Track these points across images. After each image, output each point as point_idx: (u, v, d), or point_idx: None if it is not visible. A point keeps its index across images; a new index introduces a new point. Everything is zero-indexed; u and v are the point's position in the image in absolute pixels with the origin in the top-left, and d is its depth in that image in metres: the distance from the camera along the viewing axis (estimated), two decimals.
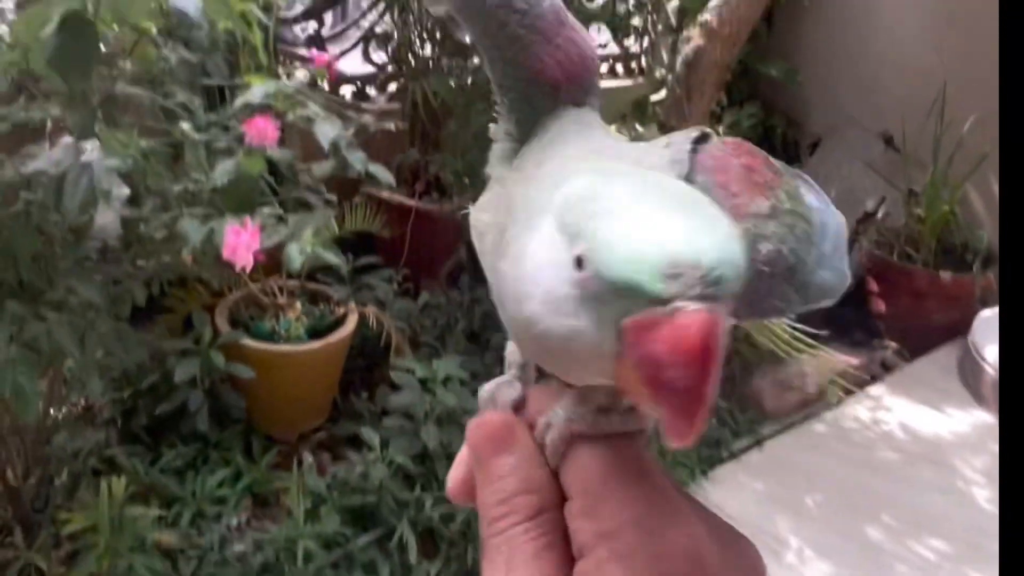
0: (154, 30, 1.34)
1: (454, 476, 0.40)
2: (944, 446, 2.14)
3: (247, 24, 1.21)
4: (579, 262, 0.32)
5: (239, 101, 1.37)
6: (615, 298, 0.31)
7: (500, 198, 0.42)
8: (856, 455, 2.09)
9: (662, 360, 0.30)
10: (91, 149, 1.31)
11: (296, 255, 1.31)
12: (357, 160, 1.40)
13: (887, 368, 2.53)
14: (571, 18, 0.46)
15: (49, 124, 1.57)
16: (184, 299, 2.11)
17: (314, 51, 2.77)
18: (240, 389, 2.03)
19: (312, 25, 2.82)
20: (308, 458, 2.01)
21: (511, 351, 0.46)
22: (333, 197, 1.89)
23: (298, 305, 2.11)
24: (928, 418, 2.24)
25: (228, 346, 1.96)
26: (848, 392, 2.27)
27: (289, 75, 2.64)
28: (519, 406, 0.41)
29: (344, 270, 2.14)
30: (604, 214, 0.32)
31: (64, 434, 1.88)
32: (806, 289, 0.40)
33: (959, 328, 2.51)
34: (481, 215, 0.44)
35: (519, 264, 0.36)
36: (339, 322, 2.11)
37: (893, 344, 2.63)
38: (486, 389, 0.43)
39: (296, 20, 2.84)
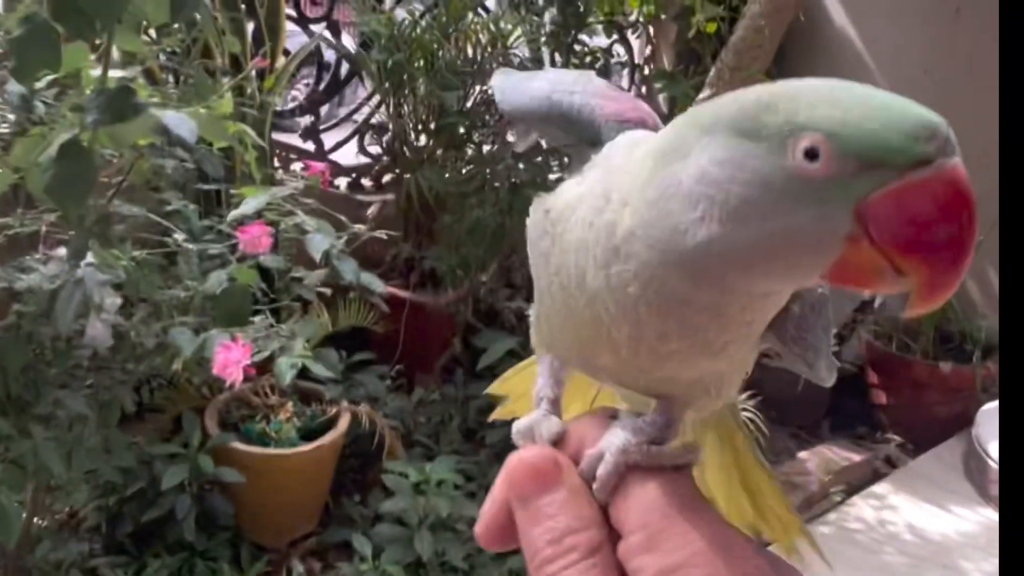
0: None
1: (488, 519, 0.38)
2: (952, 548, 2.08)
3: (242, 144, 1.21)
4: (809, 153, 0.33)
5: (232, 215, 1.36)
6: (862, 176, 0.32)
7: (587, 183, 0.42)
8: (863, 559, 2.03)
9: (931, 216, 0.32)
10: (84, 263, 1.30)
11: (286, 369, 1.29)
12: (349, 270, 1.38)
13: (891, 463, 2.48)
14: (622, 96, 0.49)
15: (43, 229, 1.57)
16: (174, 399, 2.07)
17: (310, 143, 2.80)
18: (229, 494, 1.97)
19: (308, 118, 2.86)
20: (298, 567, 1.94)
21: (541, 386, 0.45)
22: (328, 291, 1.87)
23: (289, 406, 2.07)
24: (935, 518, 2.19)
25: (217, 449, 1.91)
26: (852, 491, 2.22)
27: (286, 168, 2.66)
28: (558, 441, 0.40)
29: (337, 370, 2.11)
30: (826, 103, 0.33)
31: (47, 544, 1.82)
32: (826, 340, 0.44)
33: (962, 420, 2.48)
34: (561, 196, 0.43)
35: (677, 193, 0.36)
36: (331, 422, 2.07)
37: (896, 438, 2.59)
38: (523, 424, 0.42)
39: (292, 113, 2.88)
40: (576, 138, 0.47)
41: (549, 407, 0.44)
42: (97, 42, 1.09)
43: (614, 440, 0.38)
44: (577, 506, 0.36)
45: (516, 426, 0.42)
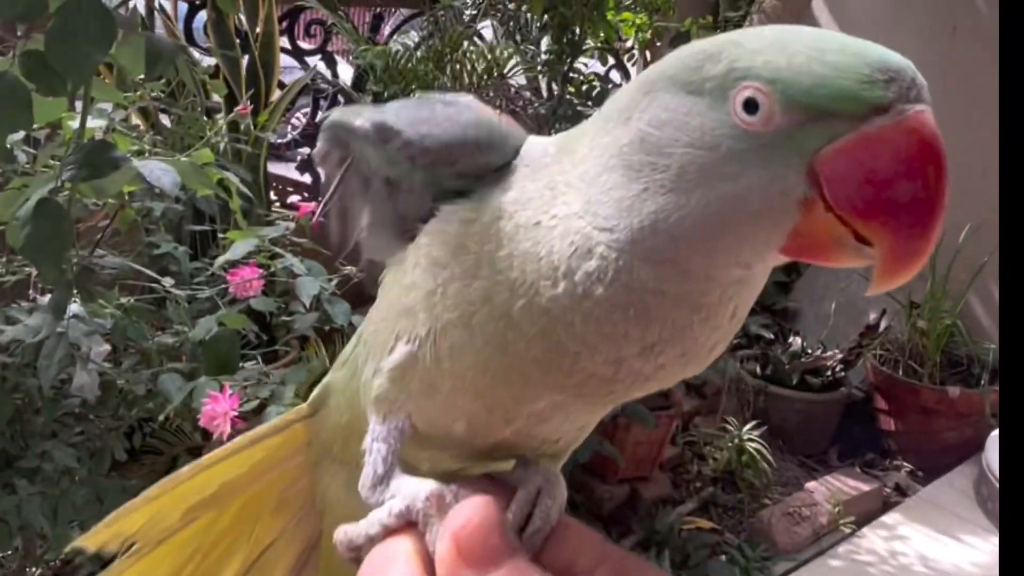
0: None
1: None
2: None
3: (227, 192, 1.19)
4: (749, 105, 0.29)
5: (219, 260, 1.34)
6: (811, 128, 0.28)
7: (516, 184, 0.36)
8: None
9: (890, 172, 0.28)
10: (70, 313, 1.28)
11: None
12: (340, 313, 1.36)
13: (901, 491, 2.44)
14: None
15: (34, 274, 1.55)
16: (169, 440, 2.04)
17: (307, 175, 2.79)
18: None
19: (304, 150, 2.85)
20: None
21: (386, 462, 0.39)
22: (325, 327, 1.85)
23: None
24: (947, 548, 2.14)
25: None
26: (861, 521, 2.18)
27: (283, 201, 2.65)
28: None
29: None
30: (772, 48, 0.29)
31: None
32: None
33: (972, 446, 2.43)
34: (485, 204, 0.37)
35: (618, 164, 0.32)
36: None
37: (906, 464, 2.54)
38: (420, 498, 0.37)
39: (288, 146, 2.88)
40: (484, 164, 0.39)
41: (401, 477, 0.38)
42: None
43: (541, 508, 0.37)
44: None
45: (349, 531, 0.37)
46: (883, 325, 2.72)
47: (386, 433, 0.40)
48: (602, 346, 0.33)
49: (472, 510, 0.32)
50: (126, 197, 1.28)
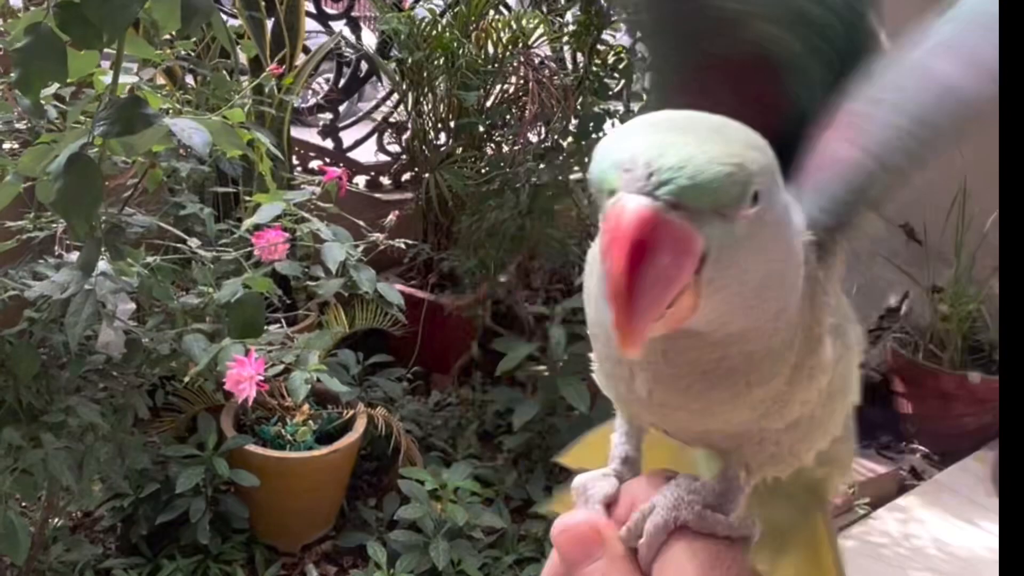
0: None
1: None
2: (979, 564, 2.03)
3: (258, 154, 1.19)
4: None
5: (246, 223, 1.34)
6: (598, 201, 0.32)
7: None
8: (887, 575, 1.99)
9: (604, 250, 0.31)
10: (98, 271, 1.28)
11: (300, 385, 1.26)
12: (366, 280, 1.36)
13: (916, 475, 2.43)
14: None
15: (60, 231, 1.55)
16: (190, 399, 2.06)
17: (328, 141, 2.78)
18: (244, 497, 1.96)
19: (327, 115, 2.83)
20: (313, 572, 1.93)
21: (617, 443, 0.43)
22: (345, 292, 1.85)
23: (305, 408, 2.05)
24: (962, 533, 2.14)
25: (232, 452, 1.90)
26: (876, 504, 2.18)
27: (304, 166, 2.64)
28: (612, 503, 0.39)
29: (353, 374, 2.09)
30: (605, 137, 0.33)
31: (61, 545, 1.82)
32: None
33: (990, 432, 2.42)
34: None
35: None
36: (347, 425, 2.05)
37: (922, 448, 2.53)
38: (579, 482, 0.41)
39: (311, 111, 2.86)
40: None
41: (618, 466, 0.42)
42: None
43: (664, 498, 0.36)
44: (620, 573, 0.35)
45: (574, 482, 0.41)
46: (904, 309, 2.69)
47: (619, 419, 0.45)
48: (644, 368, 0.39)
49: (583, 515, 0.38)
50: (154, 156, 1.27)
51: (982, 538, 2.13)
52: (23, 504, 1.74)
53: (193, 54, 1.72)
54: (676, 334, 0.34)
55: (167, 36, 1.57)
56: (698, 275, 0.31)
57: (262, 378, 1.19)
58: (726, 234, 0.31)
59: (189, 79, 2.12)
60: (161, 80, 2.06)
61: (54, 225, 1.46)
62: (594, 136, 2.43)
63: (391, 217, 1.51)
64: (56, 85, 1.06)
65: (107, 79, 1.05)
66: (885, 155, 0.37)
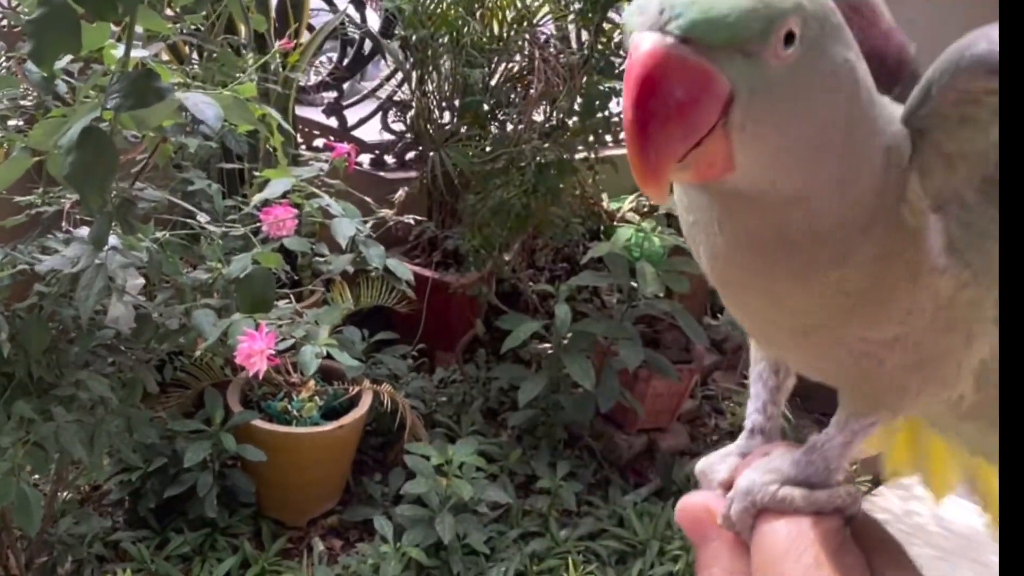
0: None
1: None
2: (981, 541, 2.05)
3: (268, 129, 1.19)
4: None
5: (256, 197, 1.34)
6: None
7: None
8: None
9: (624, 90, 0.30)
10: (108, 245, 1.29)
11: (311, 359, 1.27)
12: (376, 256, 1.36)
13: None
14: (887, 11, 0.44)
15: (68, 206, 1.56)
16: (197, 375, 2.07)
17: (333, 119, 2.78)
18: (250, 471, 1.98)
19: (331, 93, 2.83)
20: (319, 545, 1.95)
21: (749, 411, 0.43)
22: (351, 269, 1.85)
23: (311, 384, 2.06)
24: (963, 509, 2.15)
25: (239, 427, 1.91)
26: (878, 480, 2.19)
27: (308, 144, 2.64)
28: (731, 484, 0.38)
29: (359, 350, 2.10)
30: None
31: (70, 518, 1.84)
32: None
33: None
34: None
35: None
36: (353, 401, 2.06)
37: None
38: (700, 466, 0.41)
39: (316, 89, 2.85)
40: None
41: (744, 440, 0.42)
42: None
43: (743, 482, 0.36)
44: (728, 557, 0.36)
45: (697, 466, 0.41)
46: None
47: (753, 380, 0.45)
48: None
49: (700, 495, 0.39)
50: (165, 134, 1.27)
51: (983, 516, 2.15)
52: (35, 477, 1.76)
53: (199, 29, 1.71)
54: (728, 198, 0.32)
55: (173, 12, 1.57)
56: (727, 120, 0.30)
57: (273, 352, 1.20)
58: (756, 76, 0.29)
59: (194, 57, 2.12)
60: (166, 57, 2.05)
61: (62, 200, 1.46)
62: (599, 115, 2.42)
63: (400, 193, 1.51)
64: (69, 57, 1.06)
65: (118, 53, 1.05)
66: None
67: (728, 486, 0.38)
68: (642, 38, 0.29)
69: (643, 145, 0.29)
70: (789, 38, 0.30)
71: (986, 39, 0.32)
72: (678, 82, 0.29)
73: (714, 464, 0.40)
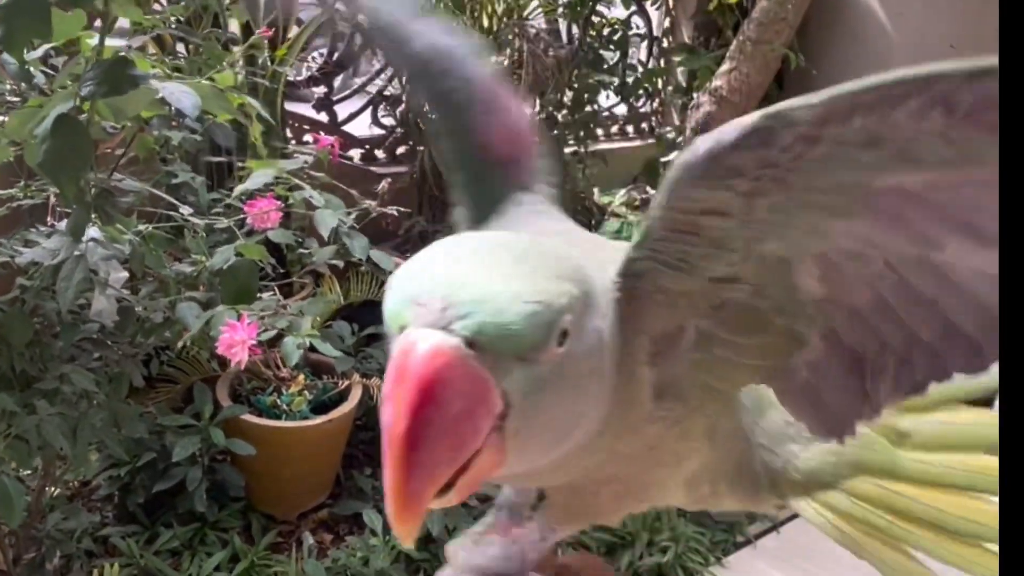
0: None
1: None
2: None
3: (248, 117, 1.19)
4: None
5: (238, 189, 1.34)
6: (390, 344, 0.29)
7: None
8: None
9: (383, 394, 0.27)
10: (88, 236, 1.28)
11: (293, 351, 1.27)
12: (358, 247, 1.36)
13: None
14: (505, 89, 0.45)
15: (52, 199, 1.55)
16: (185, 370, 2.07)
17: (323, 114, 2.77)
18: (240, 466, 1.97)
19: (321, 88, 2.82)
20: (309, 539, 1.95)
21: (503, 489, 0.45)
22: (340, 263, 1.85)
23: (301, 378, 2.06)
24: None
25: (228, 421, 1.91)
26: None
27: (299, 139, 2.63)
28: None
29: (347, 345, 2.10)
30: (404, 264, 0.31)
31: (58, 514, 1.83)
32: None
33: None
34: None
35: None
36: (343, 395, 2.06)
37: None
38: (450, 548, 0.43)
39: (306, 84, 2.85)
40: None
41: (492, 518, 0.45)
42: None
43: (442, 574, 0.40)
44: None
45: (446, 549, 0.44)
46: None
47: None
48: None
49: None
50: (144, 123, 1.27)
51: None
52: (22, 472, 1.75)
53: (183, 22, 1.71)
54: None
55: (159, 4, 1.57)
56: (501, 429, 0.27)
57: (254, 342, 1.19)
58: (530, 380, 0.27)
59: (180, 49, 2.11)
60: (152, 49, 2.05)
61: (45, 193, 1.46)
62: (589, 109, 2.42)
63: (383, 184, 1.51)
64: (44, 47, 1.06)
65: (94, 42, 1.04)
66: None
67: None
68: (420, 335, 0.26)
69: (409, 468, 0.25)
70: (563, 335, 0.28)
71: (700, 143, 0.32)
72: (459, 392, 0.26)
73: (461, 548, 0.43)
